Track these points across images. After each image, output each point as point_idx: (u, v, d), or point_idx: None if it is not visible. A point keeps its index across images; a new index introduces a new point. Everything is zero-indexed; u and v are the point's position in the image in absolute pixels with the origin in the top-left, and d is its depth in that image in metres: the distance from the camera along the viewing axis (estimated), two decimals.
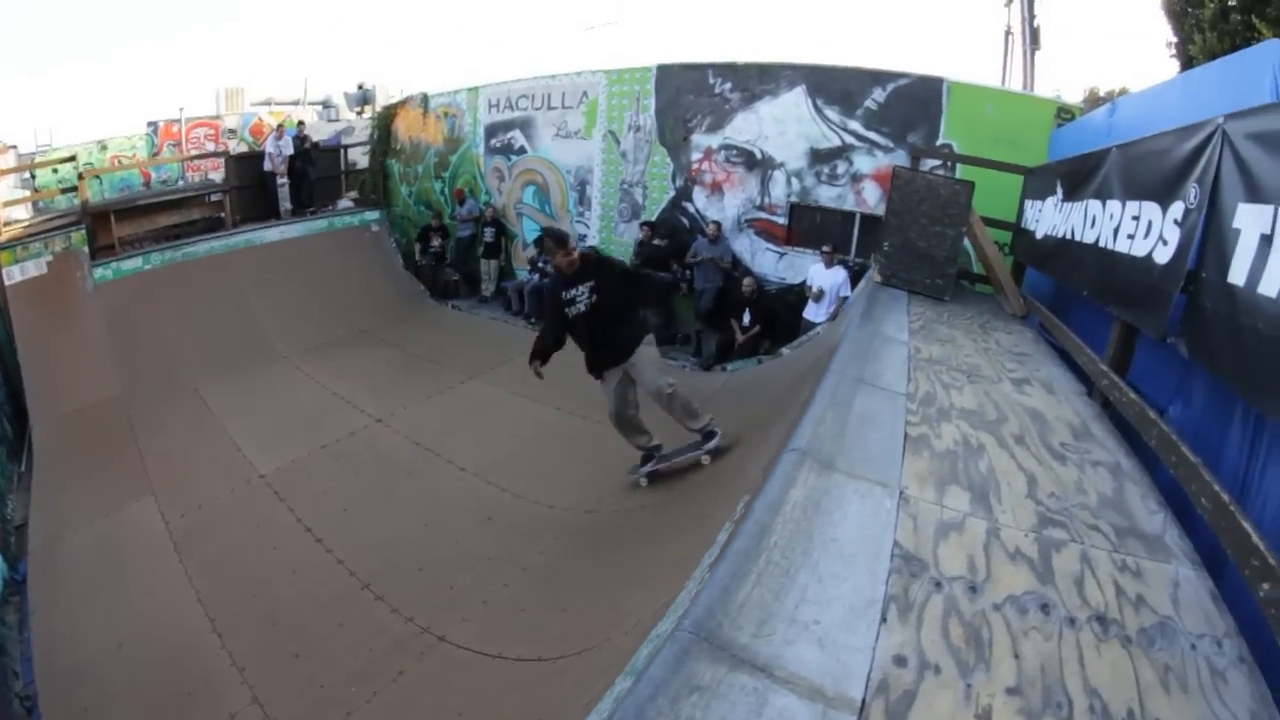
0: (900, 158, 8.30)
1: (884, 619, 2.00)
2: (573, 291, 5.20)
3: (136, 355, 9.52)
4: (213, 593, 5.51)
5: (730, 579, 2.08)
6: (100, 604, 5.60)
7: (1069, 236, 5.31)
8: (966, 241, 7.02)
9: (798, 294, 8.78)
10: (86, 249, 10.02)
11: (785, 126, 9.12)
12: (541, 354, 5.53)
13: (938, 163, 8.16)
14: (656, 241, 9.64)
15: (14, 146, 14.56)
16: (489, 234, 12.35)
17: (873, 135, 8.60)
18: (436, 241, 12.74)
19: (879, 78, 8.51)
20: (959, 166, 7.96)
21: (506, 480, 6.47)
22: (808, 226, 9.27)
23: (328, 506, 6.43)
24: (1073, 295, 5.55)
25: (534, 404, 7.97)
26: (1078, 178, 5.28)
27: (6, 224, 10.30)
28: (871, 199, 8.68)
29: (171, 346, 9.82)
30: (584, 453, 6.94)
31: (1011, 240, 7.22)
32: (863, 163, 8.72)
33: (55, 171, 11.44)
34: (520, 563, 5.27)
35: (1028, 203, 6.89)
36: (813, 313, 8.39)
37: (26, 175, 13.26)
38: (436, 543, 5.74)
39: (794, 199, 9.25)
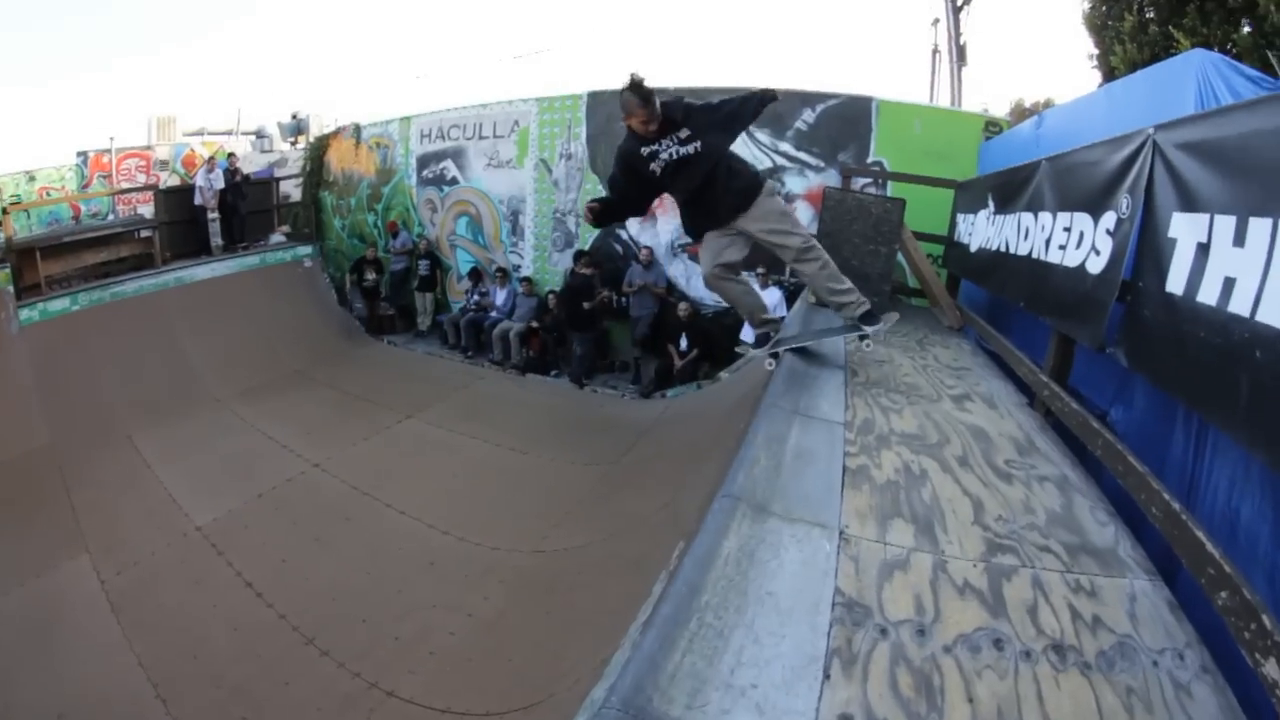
0: (832, 177, 8.43)
1: (827, 676, 1.91)
2: (656, 147, 4.24)
3: (66, 402, 9.07)
4: (153, 655, 5.25)
5: (659, 648, 1.96)
6: (35, 673, 5.28)
7: (1002, 249, 5.42)
8: (900, 257, 7.13)
9: (734, 317, 8.77)
10: (11, 289, 9.48)
11: None
12: (607, 215, 4.60)
13: (869, 180, 8.30)
14: (583, 271, 9.59)
15: None
16: (423, 267, 12.20)
17: (803, 156, 8.72)
18: (371, 275, 12.53)
19: (808, 99, 8.63)
20: (890, 183, 8.10)
21: (448, 522, 6.35)
22: None
23: (267, 558, 6.22)
24: (1010, 305, 5.65)
25: (472, 441, 7.92)
26: (1009, 190, 5.40)
27: None
28: (805, 219, 8.73)
29: (102, 392, 9.41)
30: (526, 488, 6.87)
31: (944, 253, 7.36)
32: (794, 183, 8.83)
33: None
34: (465, 609, 5.18)
35: (959, 216, 7.04)
36: (748, 335, 8.40)
37: None
38: (379, 591, 5.60)
39: None
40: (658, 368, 9.14)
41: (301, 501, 7.10)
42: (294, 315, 12.09)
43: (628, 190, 4.49)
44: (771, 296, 8.30)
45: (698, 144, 4.26)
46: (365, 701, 4.50)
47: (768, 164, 8.84)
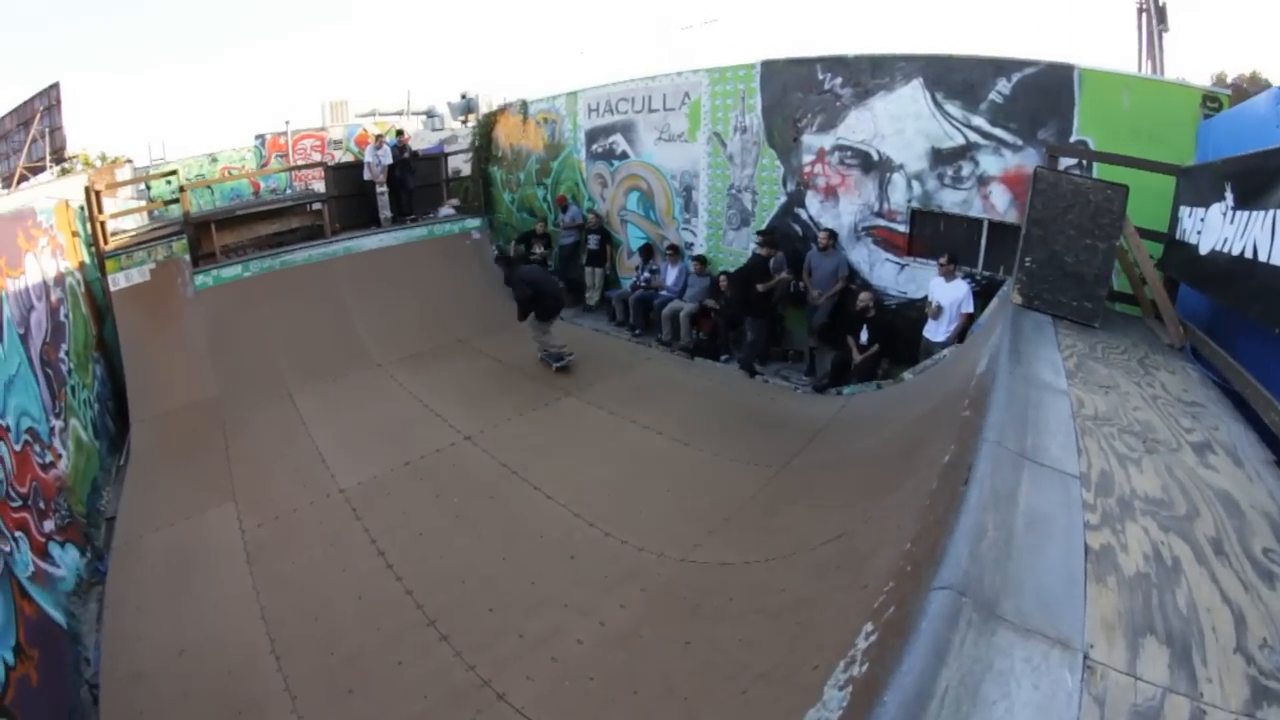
0: (1030, 157, 7.38)
1: None
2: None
3: (233, 359, 9.77)
4: (277, 610, 5.41)
5: None
6: (169, 608, 5.64)
7: (1248, 254, 4.36)
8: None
9: (919, 310, 8.01)
10: (188, 257, 10.46)
11: (903, 124, 8.34)
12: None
13: (1073, 162, 7.20)
14: (760, 251, 9.01)
15: (130, 160, 15.61)
16: (593, 241, 12.14)
17: (999, 132, 7.68)
18: (539, 249, 12.61)
19: (1002, 66, 7.58)
20: (1095, 166, 6.98)
21: (595, 513, 6.05)
22: (930, 235, 8.43)
23: (404, 529, 6.21)
24: (1237, 319, 4.72)
25: (632, 425, 7.58)
26: (1257, 180, 4.33)
27: (114, 234, 10.92)
28: (1000, 204, 7.80)
29: (268, 351, 10.03)
30: (683, 485, 6.44)
31: (1163, 254, 6.21)
32: (989, 163, 7.81)
33: (169, 183, 12.02)
34: (599, 615, 4.85)
35: (1184, 209, 5.89)
36: (932, 331, 7.70)
37: (142, 186, 14.02)
38: (512, 581, 5.39)
39: (915, 204, 8.45)
40: (834, 360, 8.48)
41: (447, 474, 7.08)
42: (460, 286, 12.40)
43: None
44: (958, 290, 7.47)
45: None
46: (474, 700, 4.30)
47: (959, 140, 7.91)
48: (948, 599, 2.22)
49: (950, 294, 7.54)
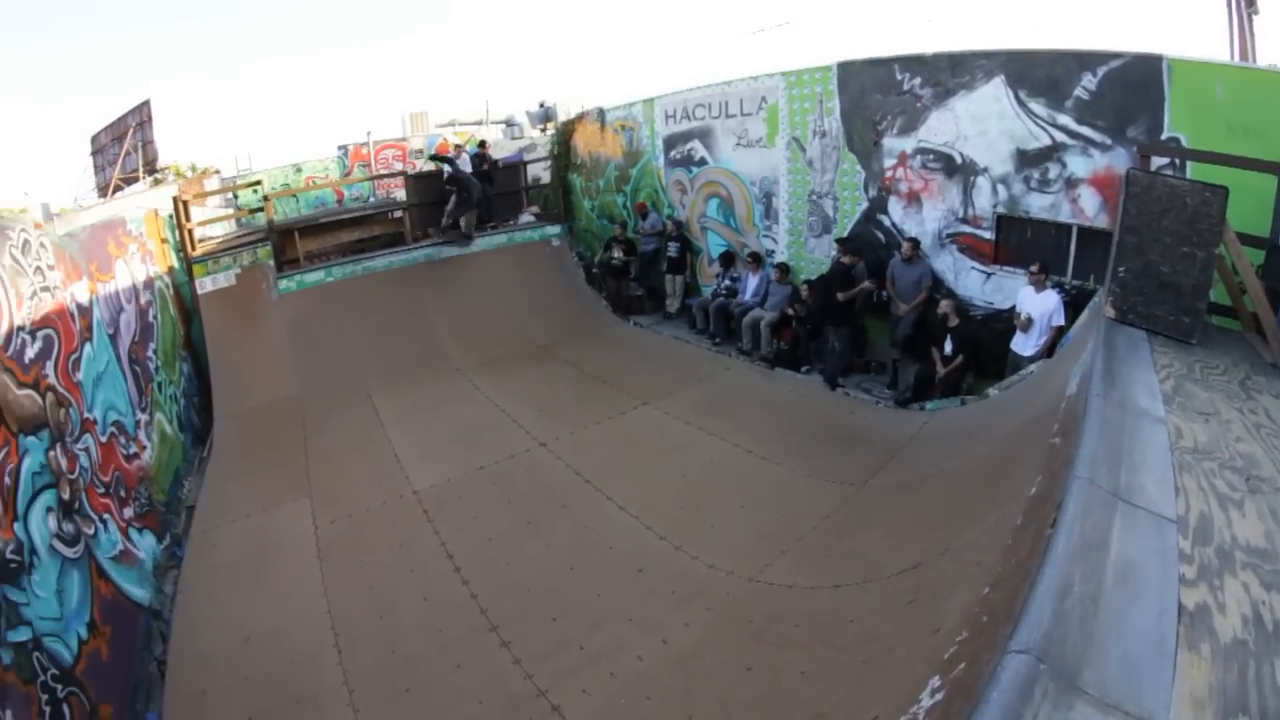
0: (1119, 157, 6.84)
1: None
2: None
3: (315, 361, 10.09)
4: (343, 606, 5.50)
5: None
6: (239, 596, 5.85)
7: None
8: None
9: (1006, 321, 7.55)
10: (272, 262, 10.91)
11: (986, 124, 7.89)
12: None
13: (1165, 162, 6.64)
14: (844, 260, 8.71)
15: (218, 171, 16.46)
16: (673, 249, 12.04)
17: (1086, 131, 7.13)
18: (618, 253, 12.61)
19: (1086, 60, 7.02)
20: (1189, 166, 6.41)
21: (668, 526, 5.93)
22: (1017, 242, 7.94)
23: (474, 534, 6.23)
24: None
25: (709, 437, 7.42)
26: None
27: (202, 240, 11.47)
28: (1090, 208, 7.24)
29: (349, 354, 10.31)
30: (758, 500, 6.26)
31: (1264, 262, 5.63)
32: (1077, 164, 7.26)
33: (254, 192, 12.64)
34: (663, 632, 4.74)
35: None
36: (1020, 344, 7.25)
37: (230, 196, 14.81)
38: (578, 591, 5.33)
39: (1001, 209, 7.99)
40: (918, 373, 8.11)
41: (521, 480, 7.09)
42: (539, 292, 12.51)
43: None
44: (1049, 301, 7.02)
45: None
46: (528, 708, 4.26)
47: (1045, 141, 7.40)
48: (1024, 666, 2.04)
49: (1041, 305, 7.07)
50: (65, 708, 4.06)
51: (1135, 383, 4.33)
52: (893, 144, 8.77)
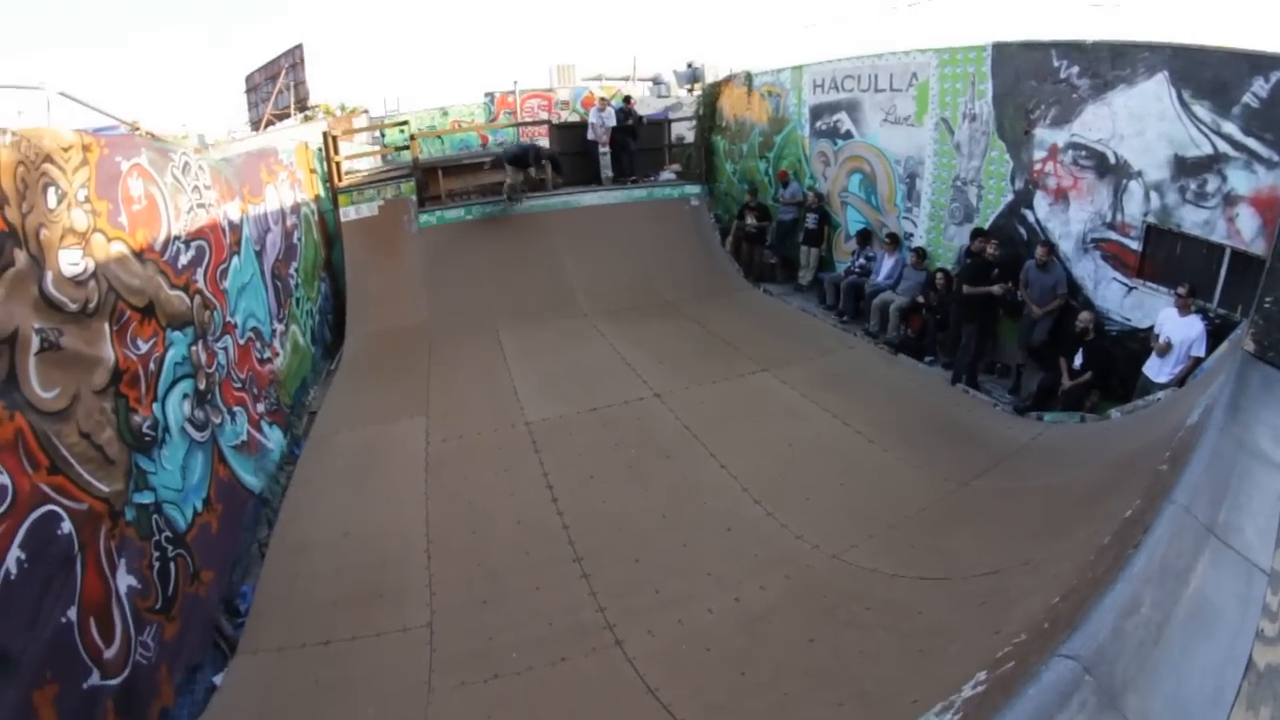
0: None
1: None
2: None
3: (447, 292, 10.57)
4: (441, 516, 5.83)
5: None
6: (345, 496, 6.32)
7: None
8: None
9: (1141, 342, 6.85)
10: (414, 198, 11.50)
11: (1144, 124, 7.04)
12: None
13: None
14: (992, 252, 8.17)
15: (366, 110, 17.48)
16: (811, 220, 11.69)
17: (1252, 143, 6.17)
18: (751, 219, 12.45)
19: (1259, 63, 6.03)
20: None
21: (764, 492, 5.90)
22: (1165, 257, 7.06)
23: (576, 470, 6.40)
24: None
25: (822, 412, 7.30)
26: None
27: (348, 173, 12.24)
28: (1247, 231, 6.27)
29: (480, 288, 10.74)
30: (858, 481, 6.13)
31: None
32: (1238, 180, 6.31)
33: (401, 131, 13.30)
34: (736, 591, 4.77)
35: None
36: (1154, 369, 6.55)
37: (377, 134, 15.71)
38: (665, 539, 5.41)
39: (1151, 219, 7.17)
40: (1041, 382, 7.58)
41: (630, 426, 7.20)
42: (674, 249, 12.54)
43: None
44: (1192, 328, 6.29)
45: None
46: (594, 639, 4.42)
47: (1207, 149, 6.54)
48: (1069, 671, 1.92)
49: (1183, 330, 6.35)
50: (172, 566, 4.62)
51: (1261, 424, 3.91)
52: (1044, 135, 8.08)
